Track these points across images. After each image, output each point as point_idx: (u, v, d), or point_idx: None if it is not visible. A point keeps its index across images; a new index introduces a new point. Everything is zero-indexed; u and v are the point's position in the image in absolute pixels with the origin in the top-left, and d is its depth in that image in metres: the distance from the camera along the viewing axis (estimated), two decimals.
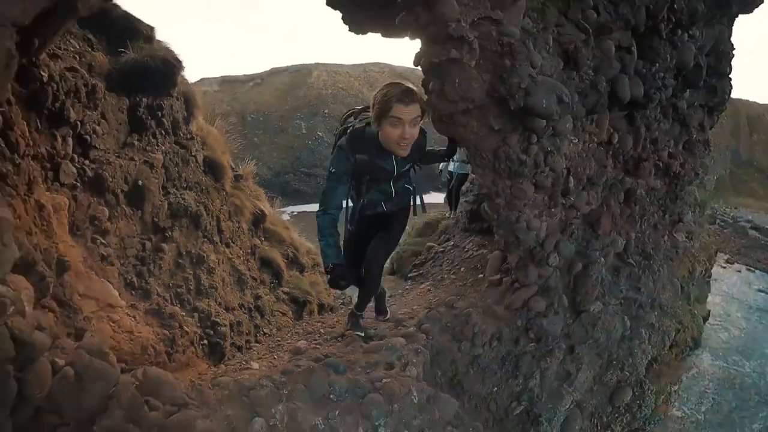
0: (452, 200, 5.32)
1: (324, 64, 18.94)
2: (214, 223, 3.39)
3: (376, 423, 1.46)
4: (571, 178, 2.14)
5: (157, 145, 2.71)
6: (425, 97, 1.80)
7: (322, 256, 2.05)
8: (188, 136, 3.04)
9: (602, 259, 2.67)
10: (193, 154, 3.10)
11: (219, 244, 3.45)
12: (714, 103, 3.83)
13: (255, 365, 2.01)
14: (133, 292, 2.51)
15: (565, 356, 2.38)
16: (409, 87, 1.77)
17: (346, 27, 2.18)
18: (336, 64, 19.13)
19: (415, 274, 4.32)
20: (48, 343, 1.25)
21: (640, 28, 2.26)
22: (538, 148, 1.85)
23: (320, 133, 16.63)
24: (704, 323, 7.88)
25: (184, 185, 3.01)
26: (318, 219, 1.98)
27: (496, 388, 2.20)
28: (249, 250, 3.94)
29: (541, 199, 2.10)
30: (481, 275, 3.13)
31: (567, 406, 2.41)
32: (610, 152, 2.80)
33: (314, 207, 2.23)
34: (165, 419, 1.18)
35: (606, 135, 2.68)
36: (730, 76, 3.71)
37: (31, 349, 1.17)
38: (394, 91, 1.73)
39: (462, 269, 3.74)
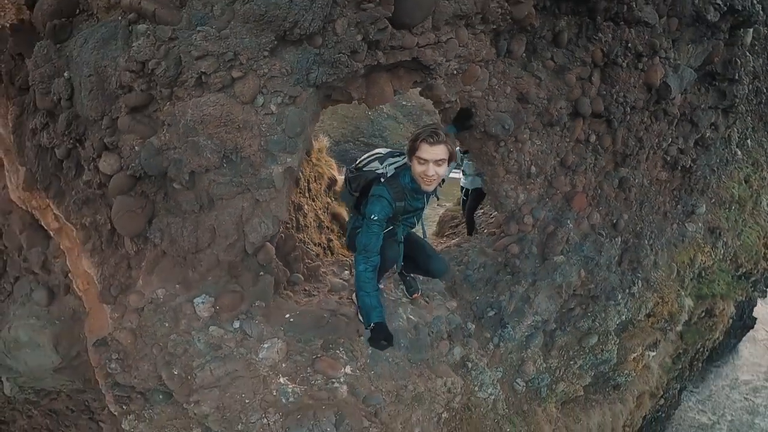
0: (468, 222, 5.43)
1: None
2: (306, 183, 5.53)
3: None
4: (533, 167, 3.74)
5: None
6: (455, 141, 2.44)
7: (362, 310, 2.34)
8: None
9: (571, 225, 4.18)
10: None
11: (308, 198, 5.60)
12: (725, 105, 4.90)
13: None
14: None
15: (528, 286, 4.03)
16: (436, 129, 2.23)
17: None
18: None
19: (450, 233, 6.11)
20: None
21: (599, 63, 3.69)
22: (504, 149, 3.51)
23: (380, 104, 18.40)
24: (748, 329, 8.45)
25: None
26: (360, 266, 2.25)
27: (478, 297, 3.95)
28: (325, 206, 6.08)
29: (513, 178, 3.75)
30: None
31: (529, 323, 4.05)
32: (590, 148, 4.24)
33: None
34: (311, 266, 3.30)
35: (583, 135, 4.14)
36: (740, 80, 4.73)
37: None
38: (422, 131, 2.22)
39: (485, 231, 5.43)
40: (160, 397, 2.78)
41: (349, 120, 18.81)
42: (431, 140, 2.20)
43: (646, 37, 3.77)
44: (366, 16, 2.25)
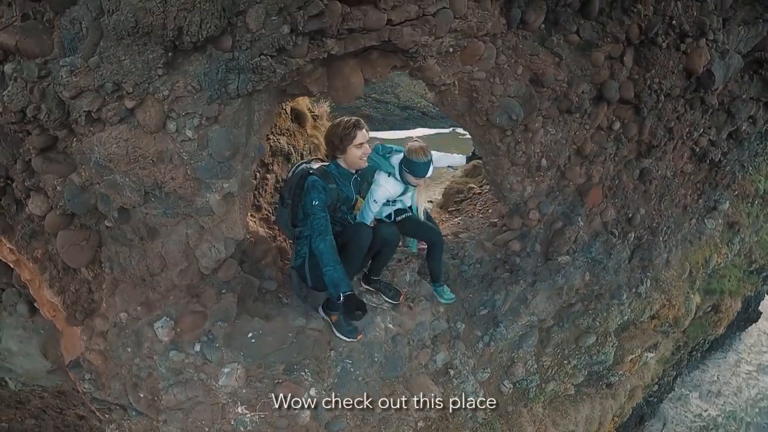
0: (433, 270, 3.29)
1: None
2: (299, 158, 5.08)
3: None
4: (544, 160, 3.22)
5: None
6: None
7: (331, 282, 2.27)
8: None
9: (581, 222, 3.71)
10: (283, 107, 4.69)
11: None
12: None
13: None
14: (253, 207, 4.35)
15: (527, 286, 3.65)
16: (359, 119, 2.52)
17: None
18: None
19: (454, 209, 5.66)
20: None
21: (634, 41, 3.04)
22: (510, 139, 2.97)
23: None
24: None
25: (279, 132, 4.66)
26: (320, 245, 2.28)
27: (471, 295, 3.60)
28: None
29: (519, 170, 3.25)
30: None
31: (524, 323, 3.72)
32: (612, 136, 3.66)
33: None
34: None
35: (606, 122, 3.55)
36: None
37: None
38: (349, 125, 2.46)
39: (490, 210, 4.95)
40: (134, 412, 2.72)
41: None
42: (362, 126, 2.53)
43: (695, 13, 3.09)
44: None
